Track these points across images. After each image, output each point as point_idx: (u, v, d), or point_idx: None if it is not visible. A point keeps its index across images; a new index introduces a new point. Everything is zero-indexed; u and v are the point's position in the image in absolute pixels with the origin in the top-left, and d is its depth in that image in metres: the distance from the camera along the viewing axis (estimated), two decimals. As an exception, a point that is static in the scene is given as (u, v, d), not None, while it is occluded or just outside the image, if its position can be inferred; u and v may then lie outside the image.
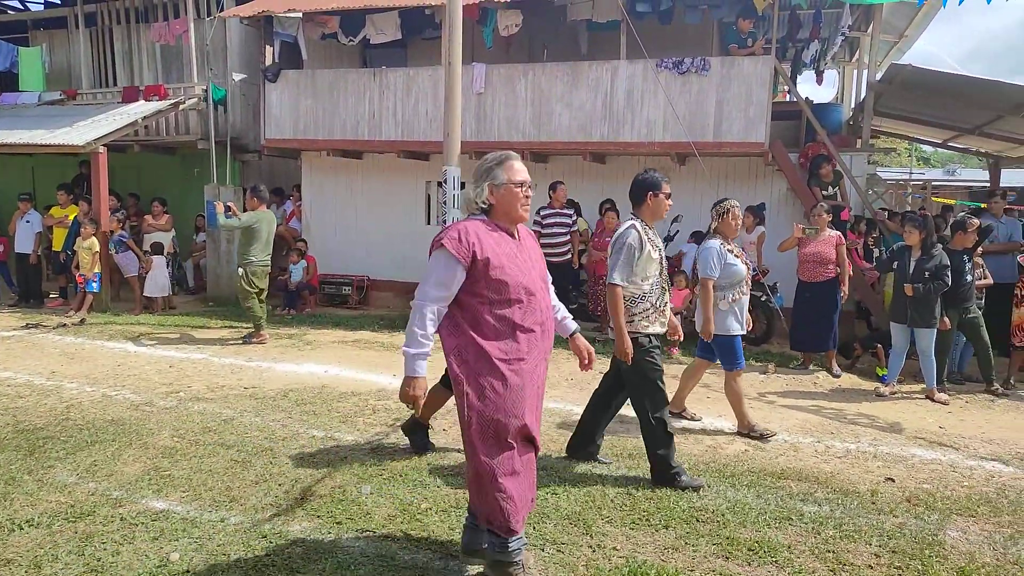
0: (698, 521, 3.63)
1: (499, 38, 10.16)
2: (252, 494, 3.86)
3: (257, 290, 7.97)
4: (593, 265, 8.58)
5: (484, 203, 2.95)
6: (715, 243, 5.02)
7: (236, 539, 3.34)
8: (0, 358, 6.94)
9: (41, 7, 13.88)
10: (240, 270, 7.93)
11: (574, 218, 8.77)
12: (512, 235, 3.00)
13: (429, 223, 10.86)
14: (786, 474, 4.33)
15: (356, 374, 6.56)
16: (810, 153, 9.08)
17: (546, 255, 8.66)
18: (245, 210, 8.20)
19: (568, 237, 8.68)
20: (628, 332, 4.04)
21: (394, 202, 11.04)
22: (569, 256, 8.72)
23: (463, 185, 9.53)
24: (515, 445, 2.90)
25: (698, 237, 8.82)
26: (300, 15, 10.47)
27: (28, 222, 10.50)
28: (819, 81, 13.33)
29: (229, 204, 8.17)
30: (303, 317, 9.66)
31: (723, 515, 3.70)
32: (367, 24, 10.36)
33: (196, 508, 3.68)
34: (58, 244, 10.21)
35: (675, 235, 9.14)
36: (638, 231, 4.09)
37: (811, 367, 7.25)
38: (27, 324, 8.64)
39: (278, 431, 4.88)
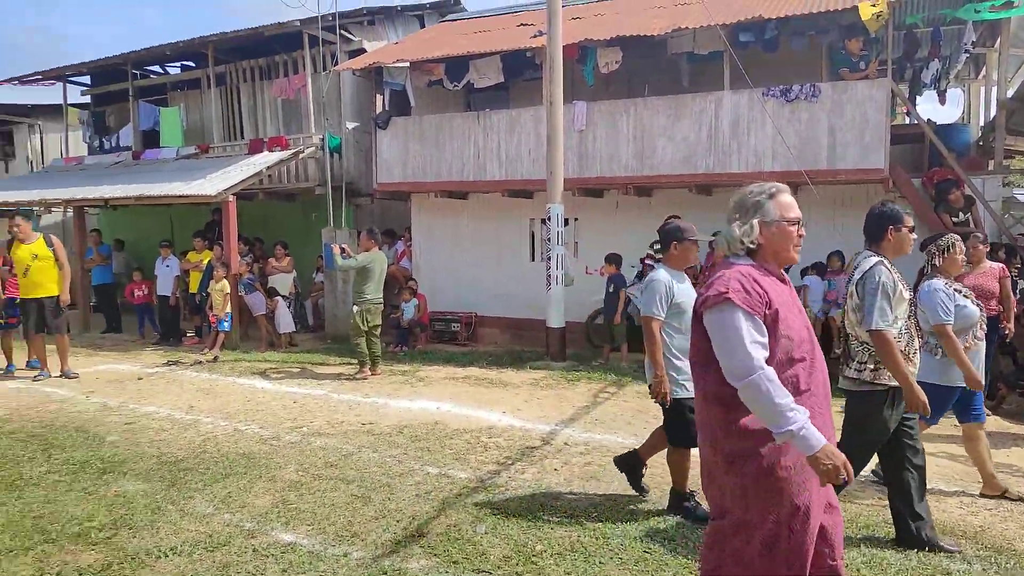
0: None
1: (599, 75, 10.27)
2: (372, 529, 3.98)
3: (370, 327, 8.31)
4: (702, 299, 8.40)
5: (752, 243, 2.51)
6: (939, 283, 4.36)
7: (358, 574, 3.45)
8: (145, 393, 7.55)
9: (179, 70, 15.24)
10: (355, 308, 8.30)
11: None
12: (783, 280, 2.55)
13: (533, 260, 10.99)
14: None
15: (467, 411, 6.68)
16: (936, 178, 8.57)
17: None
18: (359, 251, 8.61)
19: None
20: (867, 385, 3.59)
21: (500, 240, 11.27)
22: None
23: (566, 221, 9.67)
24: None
25: (819, 269, 8.49)
26: (408, 64, 11.01)
27: (168, 266, 11.44)
28: (942, 101, 12.57)
29: (344, 246, 8.60)
30: (415, 354, 9.96)
31: (858, 570, 3.48)
32: (471, 69, 10.75)
33: (321, 542, 3.84)
34: (194, 286, 11.04)
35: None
36: (887, 267, 3.59)
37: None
38: (168, 361, 9.37)
39: (395, 467, 5.03)
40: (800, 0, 9.12)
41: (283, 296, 10.91)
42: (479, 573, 3.47)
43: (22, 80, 15.38)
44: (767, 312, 2.35)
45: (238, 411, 6.75)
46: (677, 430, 4.12)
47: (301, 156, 11.94)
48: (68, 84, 15.49)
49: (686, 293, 4.14)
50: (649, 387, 4.18)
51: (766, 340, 2.33)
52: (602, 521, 4.02)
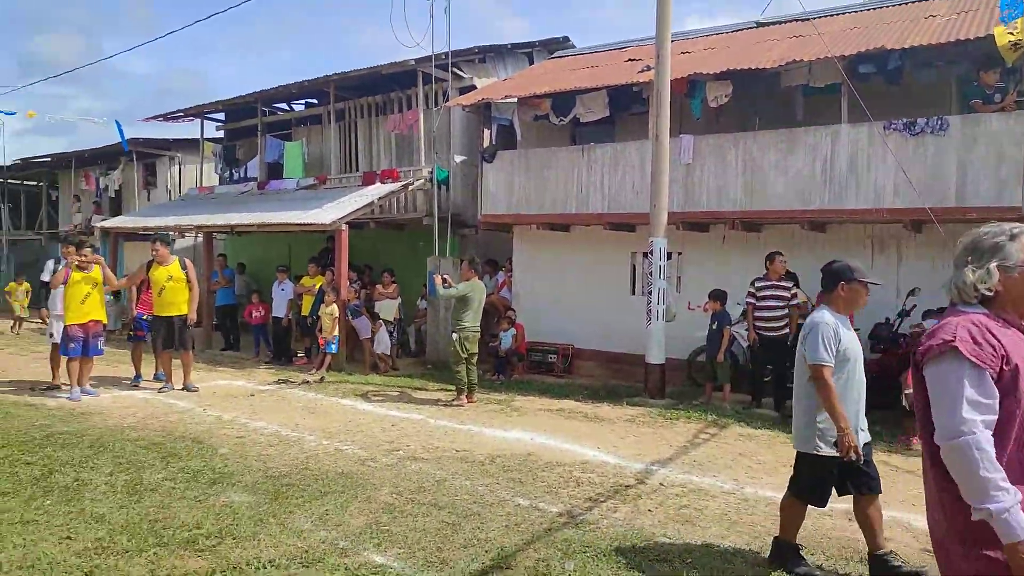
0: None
1: (707, 109, 10.10)
2: (461, 557, 3.97)
3: (468, 355, 8.42)
4: (813, 341, 7.95)
5: (988, 290, 2.21)
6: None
7: (446, 601, 3.45)
8: (256, 409, 7.94)
9: (303, 107, 16.26)
10: (454, 335, 8.45)
11: (793, 291, 8.27)
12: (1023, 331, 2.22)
13: (634, 293, 10.83)
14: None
15: (561, 444, 6.60)
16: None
17: (760, 329, 8.28)
18: (460, 280, 8.78)
19: (786, 311, 8.19)
20: None
21: (600, 273, 11.19)
22: (787, 331, 8.20)
23: (669, 255, 9.49)
24: None
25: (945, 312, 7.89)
26: (515, 100, 11.25)
27: (283, 290, 12.08)
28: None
29: (446, 276, 8.80)
30: (511, 383, 9.99)
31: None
32: (577, 104, 10.85)
33: (411, 566, 3.86)
34: (306, 309, 11.59)
35: (911, 309, 8.25)
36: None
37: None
38: (278, 380, 9.84)
39: (486, 496, 5.02)
40: (927, 29, 8.66)
41: (387, 321, 11.26)
42: (566, 611, 3.38)
43: (166, 117, 16.88)
44: (1004, 368, 2.07)
45: (340, 431, 6.97)
46: (810, 487, 3.87)
47: (411, 188, 12.38)
48: (205, 120, 16.86)
49: (851, 340, 3.89)
50: (817, 442, 3.83)
51: (994, 401, 2.05)
52: (697, 568, 3.84)
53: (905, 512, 4.90)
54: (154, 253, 8.98)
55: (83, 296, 8.24)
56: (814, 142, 8.90)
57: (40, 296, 13.23)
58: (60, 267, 8.97)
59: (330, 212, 11.68)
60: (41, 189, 24.15)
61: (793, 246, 9.59)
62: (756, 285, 8.36)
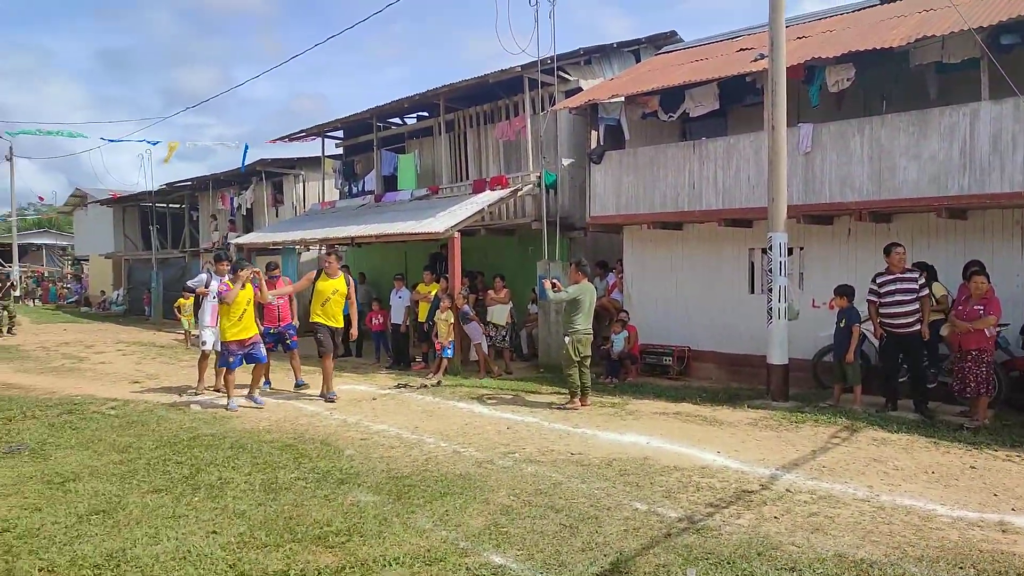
0: None
1: (827, 95, 9.58)
2: (579, 561, 3.96)
3: (580, 357, 8.39)
4: (958, 338, 7.32)
5: None
6: None
7: (565, 604, 3.44)
8: (378, 412, 8.27)
9: (415, 120, 16.81)
10: (566, 339, 8.43)
11: (920, 282, 7.66)
12: None
13: (753, 292, 10.42)
14: None
15: (679, 448, 6.44)
16: None
17: (888, 326, 7.75)
18: (569, 284, 8.76)
19: (916, 305, 7.59)
20: None
21: (715, 271, 10.85)
22: (919, 327, 7.61)
23: (790, 251, 9.04)
24: None
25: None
26: (622, 99, 11.11)
27: (400, 297, 12.52)
28: None
29: (555, 281, 8.80)
30: (625, 386, 9.86)
31: None
32: (686, 99, 10.59)
33: (529, 568, 3.89)
34: (423, 316, 11.95)
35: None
36: None
37: None
38: (398, 384, 10.20)
39: (603, 499, 4.98)
40: (1081, -10, 7.82)
41: (499, 326, 11.43)
42: (689, 619, 3.29)
43: (290, 138, 17.95)
44: None
45: (457, 433, 7.13)
46: None
47: (520, 193, 12.51)
48: (325, 138, 17.79)
49: None
50: None
51: None
52: (830, 579, 3.63)
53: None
54: (326, 265, 9.17)
55: (241, 313, 8.39)
56: (950, 123, 8.22)
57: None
58: (215, 281, 9.31)
59: (443, 220, 12.00)
60: (183, 211, 26.29)
61: (929, 236, 8.92)
62: (878, 280, 7.82)
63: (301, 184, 20.43)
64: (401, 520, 4.62)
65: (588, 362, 8.56)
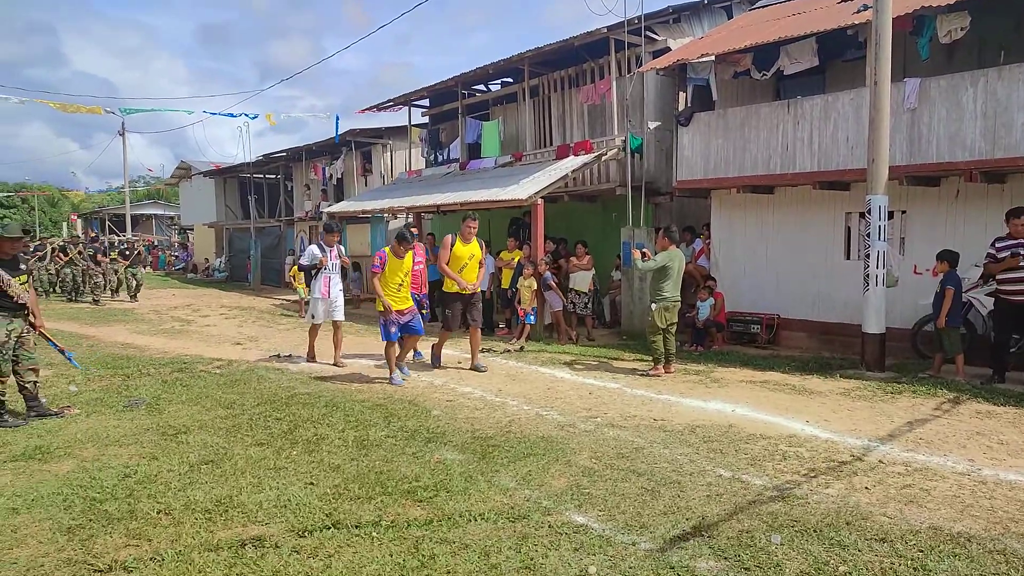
0: None
1: (937, 47, 8.94)
2: (661, 523, 3.98)
3: (667, 324, 8.30)
4: (1074, 306, 6.82)
5: None
6: None
7: (646, 565, 3.48)
8: (464, 376, 8.49)
9: (499, 87, 16.80)
10: (652, 305, 8.35)
11: (1046, 248, 7.13)
12: None
13: (849, 258, 9.97)
14: None
15: (765, 416, 6.31)
16: None
17: (1005, 293, 7.29)
18: (656, 250, 8.63)
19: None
20: None
21: (808, 237, 10.43)
22: (1038, 295, 7.11)
23: (891, 214, 8.58)
24: None
25: None
26: (713, 58, 10.73)
27: (484, 264, 12.65)
28: None
29: (644, 250, 8.68)
30: (710, 354, 9.70)
31: None
32: (781, 56, 10.13)
33: (611, 528, 3.94)
34: (506, 282, 12.07)
35: None
36: None
37: None
38: (482, 349, 10.36)
39: (685, 465, 4.97)
40: None
41: (582, 292, 11.42)
42: (771, 585, 3.27)
43: (378, 108, 18.32)
44: None
45: (539, 397, 7.23)
46: None
47: (604, 158, 12.35)
48: (412, 107, 18.04)
49: None
50: None
51: None
52: (923, 551, 3.51)
53: None
54: (469, 229, 8.67)
55: (398, 283, 8.04)
56: (1077, 72, 7.53)
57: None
58: (326, 253, 9.30)
59: (526, 187, 12.02)
60: (279, 181, 27.40)
61: (1049, 197, 8.25)
62: (996, 245, 7.32)
63: (389, 153, 20.87)
64: (486, 478, 4.76)
65: (674, 329, 8.46)
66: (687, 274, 12.06)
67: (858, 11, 9.31)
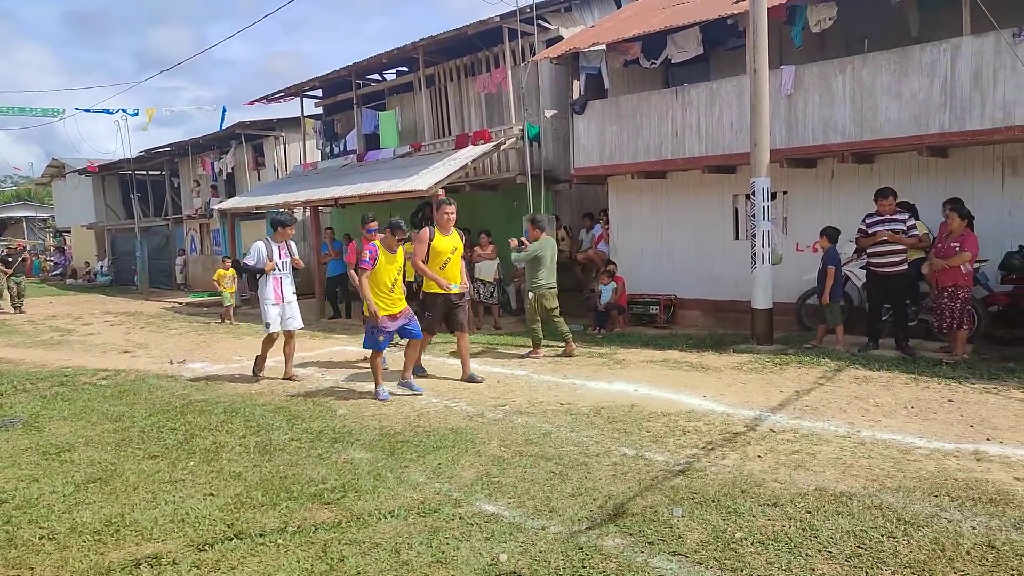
0: (1094, 591, 2.92)
1: (810, 36, 9.48)
2: (569, 506, 4.06)
3: (549, 310, 8.62)
4: (936, 275, 7.44)
5: None
6: None
7: (556, 548, 3.54)
8: (369, 372, 8.31)
9: (394, 76, 16.52)
10: (529, 294, 8.65)
11: (910, 222, 7.72)
12: None
13: (737, 238, 10.47)
14: None
15: (665, 394, 6.55)
16: None
17: (874, 266, 7.85)
18: (529, 240, 8.83)
19: (902, 246, 7.67)
20: None
21: (700, 219, 10.87)
22: (904, 267, 7.70)
23: (774, 195, 9.06)
24: None
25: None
26: (603, 47, 10.96)
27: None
28: None
29: (523, 240, 8.88)
30: (613, 336, 9.97)
31: None
32: (668, 45, 10.46)
33: (521, 514, 3.99)
34: (411, 275, 11.91)
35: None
36: None
37: None
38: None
39: (592, 447, 5.09)
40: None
41: (487, 282, 11.47)
42: (675, 556, 3.40)
43: (268, 99, 17.63)
44: None
45: (447, 389, 7.22)
46: None
47: (503, 148, 12.40)
48: (304, 98, 17.47)
49: None
50: None
51: None
52: (811, 512, 3.75)
53: (1044, 452, 4.58)
54: (447, 217, 7.32)
55: (391, 283, 6.96)
56: (931, 60, 8.18)
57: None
58: (275, 250, 7.96)
59: (426, 178, 11.91)
60: (164, 177, 25.95)
61: (910, 175, 8.94)
62: (867, 221, 7.88)
63: (282, 146, 20.17)
64: (395, 475, 4.71)
65: (558, 312, 8.71)
66: (588, 259, 12.35)
67: (737, 1, 9.73)
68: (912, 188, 8.73)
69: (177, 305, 17.67)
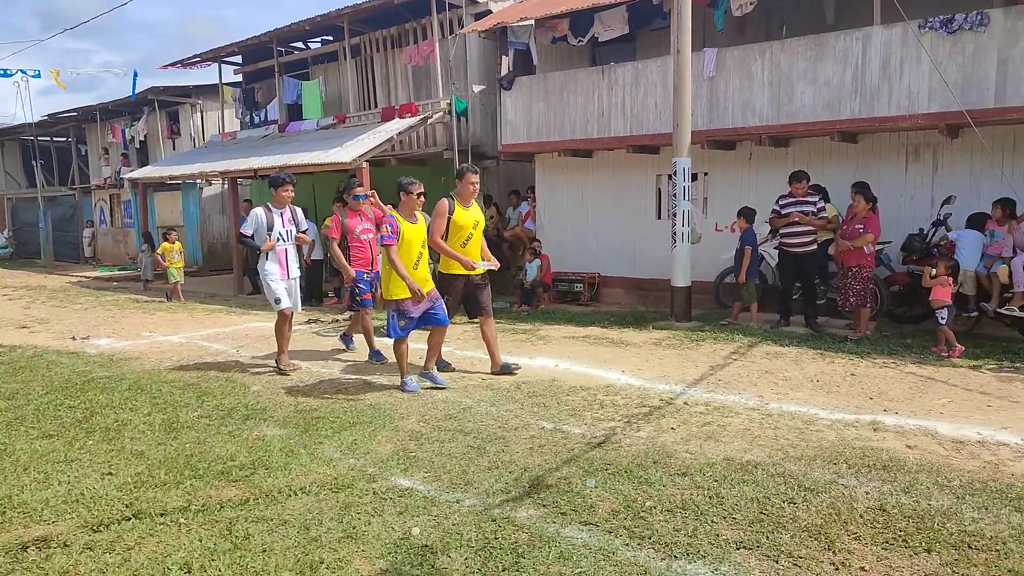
0: (970, 548, 3.11)
1: (732, 20, 9.66)
2: (485, 479, 4.05)
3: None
4: (842, 256, 7.77)
5: None
6: None
7: (469, 520, 3.53)
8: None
9: (319, 45, 15.97)
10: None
11: (820, 204, 8.02)
12: None
13: (660, 217, 10.65)
14: (1097, 502, 3.54)
15: (585, 369, 6.63)
16: None
17: (786, 245, 8.10)
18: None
19: (812, 227, 7.97)
20: None
21: (624, 198, 11.00)
22: (814, 247, 8.00)
23: (695, 176, 9.24)
24: None
25: (979, 221, 7.58)
26: (532, 22, 10.87)
27: (306, 231, 12.11)
28: None
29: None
30: (537, 313, 10.02)
31: (1004, 543, 3.13)
32: (595, 22, 10.46)
33: (436, 488, 3.96)
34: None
35: (946, 219, 7.97)
36: None
37: None
38: (308, 320, 10.00)
39: (511, 421, 5.09)
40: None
41: None
42: (586, 525, 3.44)
43: (183, 63, 16.77)
44: None
45: (369, 365, 7.09)
46: None
47: (430, 121, 12.20)
48: (222, 64, 16.70)
49: None
50: None
51: None
52: (718, 481, 3.86)
53: (933, 420, 4.86)
54: (471, 187, 6.39)
55: (416, 258, 5.91)
56: (844, 47, 8.47)
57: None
58: (276, 219, 6.90)
59: (350, 150, 11.61)
60: (70, 144, 24.44)
61: (823, 159, 9.27)
62: (780, 203, 8.14)
63: (199, 114, 19.29)
64: (308, 451, 4.59)
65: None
66: (515, 237, 12.34)
67: (663, -18, 9.80)
68: (825, 172, 9.06)
69: (84, 279, 16.74)
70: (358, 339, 7.87)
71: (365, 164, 11.23)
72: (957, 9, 7.84)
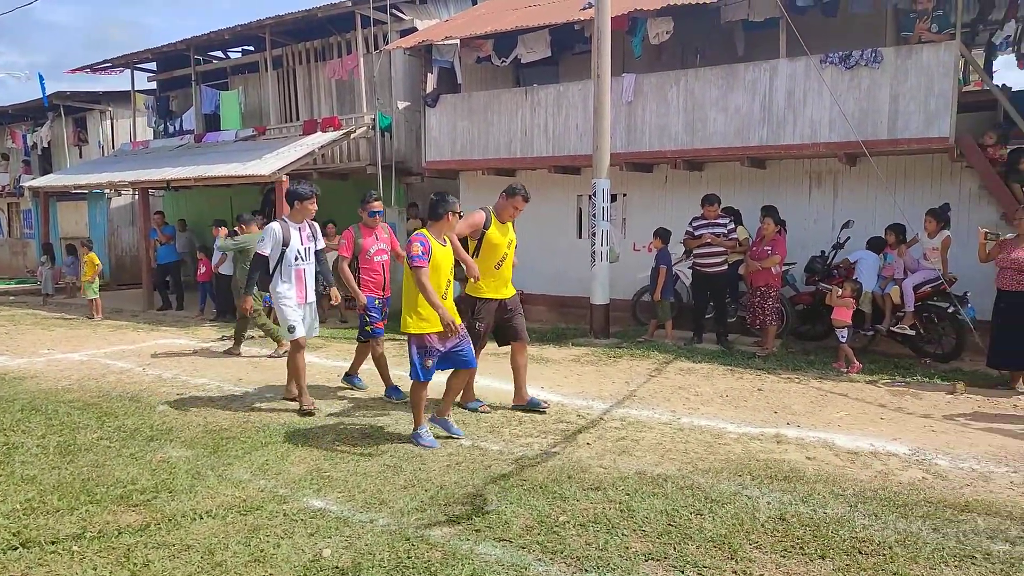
0: (860, 553, 3.29)
1: (649, 47, 10.01)
2: (400, 498, 4.01)
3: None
4: (751, 276, 8.12)
5: None
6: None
7: (382, 540, 3.49)
8: (198, 367, 7.81)
9: (239, 55, 15.59)
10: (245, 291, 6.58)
11: (731, 227, 8.36)
12: None
13: (581, 237, 10.86)
14: (972, 507, 3.81)
15: (504, 385, 6.64)
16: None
17: (699, 266, 8.39)
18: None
19: (723, 248, 8.31)
20: None
21: (546, 217, 11.16)
22: (725, 267, 8.33)
23: (614, 197, 9.48)
24: None
25: (876, 244, 8.07)
26: (457, 41, 10.96)
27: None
28: (1021, 65, 11.80)
29: (236, 229, 9.27)
30: (460, 330, 9.98)
31: (891, 548, 3.32)
32: (519, 45, 10.65)
33: (349, 508, 3.89)
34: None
35: (845, 242, 8.44)
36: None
37: (1021, 386, 6.37)
38: (222, 336, 9.67)
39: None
40: (862, -40, 8.64)
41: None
42: (500, 541, 3.45)
43: (93, 68, 16.05)
44: None
45: (283, 383, 6.89)
46: None
47: (353, 136, 12.08)
48: (135, 70, 16.06)
49: None
50: None
51: None
52: (629, 494, 3.95)
53: (831, 432, 5.12)
54: (514, 209, 5.74)
55: (445, 286, 5.06)
56: (753, 78, 8.91)
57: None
58: (294, 234, 5.93)
59: (270, 163, 11.36)
60: (-36, 149, 22.91)
61: (734, 183, 9.69)
62: (693, 224, 8.44)
63: (109, 121, 18.46)
64: (216, 473, 4.43)
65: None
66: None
67: (584, 8, 10.08)
68: (736, 195, 9.46)
69: (98, 306, 15.60)
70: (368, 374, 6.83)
71: (285, 177, 11.00)
72: (855, 46, 8.38)
